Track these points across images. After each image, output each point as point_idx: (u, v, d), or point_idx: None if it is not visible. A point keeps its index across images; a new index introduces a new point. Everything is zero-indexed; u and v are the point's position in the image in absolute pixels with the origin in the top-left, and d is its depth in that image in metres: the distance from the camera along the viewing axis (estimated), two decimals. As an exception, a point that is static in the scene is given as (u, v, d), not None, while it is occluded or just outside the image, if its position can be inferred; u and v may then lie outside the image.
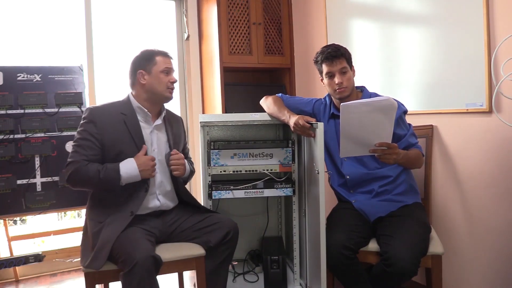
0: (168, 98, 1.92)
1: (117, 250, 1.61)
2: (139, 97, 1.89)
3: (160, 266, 1.62)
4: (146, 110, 1.88)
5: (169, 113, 2.02)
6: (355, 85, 2.00)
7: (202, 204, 2.06)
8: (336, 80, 1.91)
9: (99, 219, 1.74)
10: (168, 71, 1.88)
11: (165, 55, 1.90)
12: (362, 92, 2.01)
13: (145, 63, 1.86)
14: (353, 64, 1.99)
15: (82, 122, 1.81)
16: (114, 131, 1.80)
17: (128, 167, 1.75)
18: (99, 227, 1.71)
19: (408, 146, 1.88)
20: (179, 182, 1.96)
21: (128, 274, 1.53)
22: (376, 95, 1.98)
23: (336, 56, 1.90)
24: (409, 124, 1.94)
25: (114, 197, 1.77)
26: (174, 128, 2.00)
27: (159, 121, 1.92)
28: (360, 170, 1.94)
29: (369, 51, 2.50)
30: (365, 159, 1.94)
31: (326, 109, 2.06)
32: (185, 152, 2.09)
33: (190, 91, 3.30)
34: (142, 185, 1.80)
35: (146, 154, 1.82)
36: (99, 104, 1.90)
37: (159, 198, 1.88)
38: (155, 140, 1.90)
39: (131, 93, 1.92)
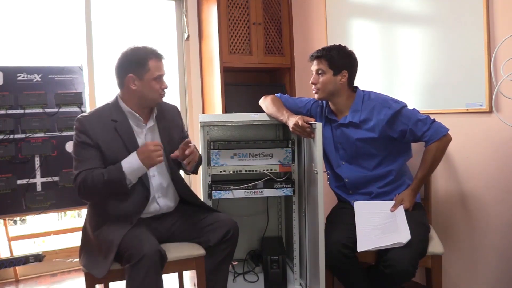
0: (159, 102, 1.84)
1: (122, 246, 1.61)
2: (128, 101, 1.80)
3: (165, 262, 1.63)
4: (138, 115, 1.80)
5: (161, 107, 1.90)
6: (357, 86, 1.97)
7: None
8: (311, 79, 1.94)
9: (97, 228, 1.73)
10: (161, 77, 1.79)
11: (157, 57, 1.78)
12: (355, 92, 1.96)
13: (137, 68, 1.74)
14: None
15: (75, 133, 1.76)
16: (107, 140, 1.74)
17: (129, 161, 1.68)
18: (98, 232, 1.70)
19: (415, 139, 1.83)
20: (179, 178, 1.91)
21: (135, 266, 1.54)
22: (370, 93, 1.94)
23: (317, 56, 1.91)
24: (413, 110, 1.83)
25: (113, 206, 1.74)
26: (166, 121, 1.92)
27: (151, 123, 1.85)
28: (359, 173, 1.93)
29: (369, 51, 2.49)
30: (362, 161, 1.93)
31: (322, 112, 2.04)
32: (184, 137, 2.00)
33: (190, 91, 3.29)
34: (142, 192, 1.77)
35: None
36: (88, 113, 1.81)
37: (158, 202, 1.85)
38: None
39: (119, 95, 1.83)
